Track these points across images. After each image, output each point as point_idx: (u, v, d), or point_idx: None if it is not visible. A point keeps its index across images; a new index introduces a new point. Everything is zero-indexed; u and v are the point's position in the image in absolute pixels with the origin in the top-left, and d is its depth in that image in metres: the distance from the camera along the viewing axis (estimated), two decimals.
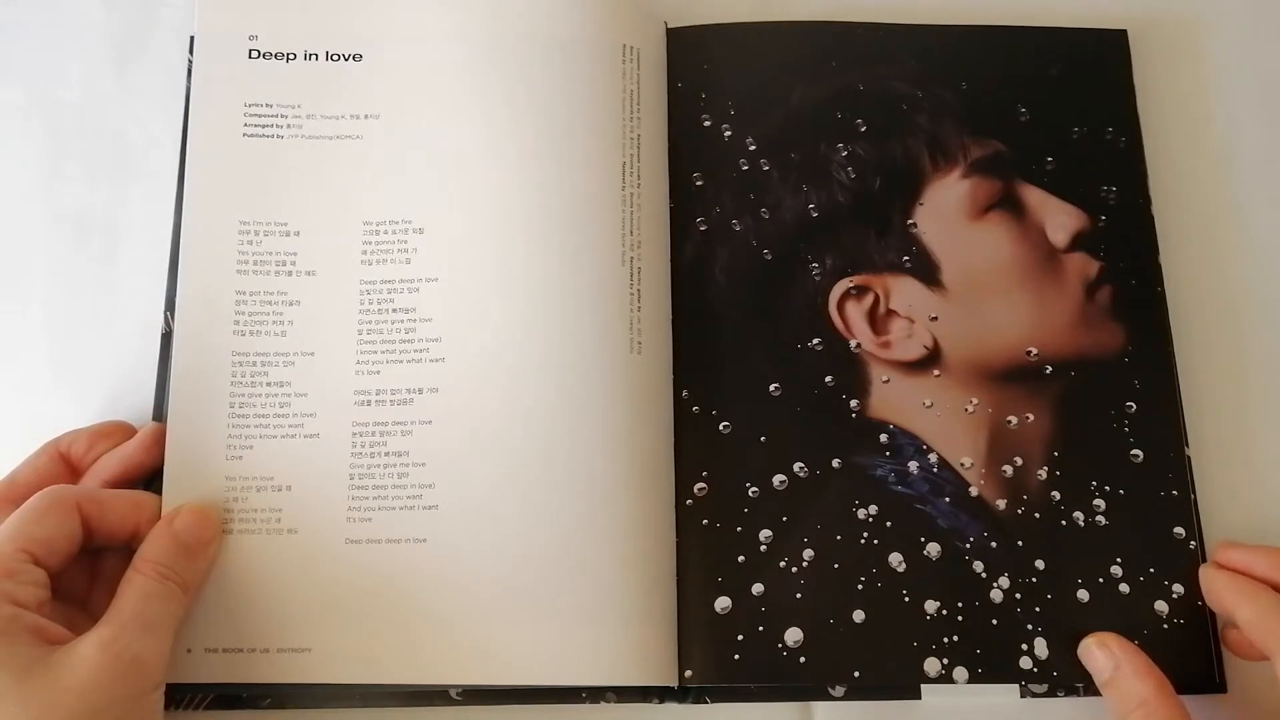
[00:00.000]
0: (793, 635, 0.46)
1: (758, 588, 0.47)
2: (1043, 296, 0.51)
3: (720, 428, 0.49)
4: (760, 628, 0.46)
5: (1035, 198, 0.52)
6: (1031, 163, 0.53)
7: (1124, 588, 0.47)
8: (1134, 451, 0.49)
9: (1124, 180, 0.53)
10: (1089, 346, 0.50)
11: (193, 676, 0.45)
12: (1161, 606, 0.47)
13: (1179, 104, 0.57)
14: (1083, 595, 0.47)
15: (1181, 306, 0.52)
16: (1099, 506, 0.48)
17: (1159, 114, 0.56)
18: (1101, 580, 0.47)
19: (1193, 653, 0.46)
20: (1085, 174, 0.53)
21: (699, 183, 0.53)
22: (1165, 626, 0.46)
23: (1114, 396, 0.49)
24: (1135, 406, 0.49)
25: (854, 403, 0.49)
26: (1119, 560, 0.47)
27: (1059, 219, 0.52)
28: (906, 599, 0.47)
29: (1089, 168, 0.53)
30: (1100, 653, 0.45)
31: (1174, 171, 0.55)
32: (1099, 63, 0.55)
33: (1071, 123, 0.53)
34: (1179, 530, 0.47)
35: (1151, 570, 0.47)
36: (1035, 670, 0.46)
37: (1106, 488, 0.48)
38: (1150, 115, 0.55)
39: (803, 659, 0.46)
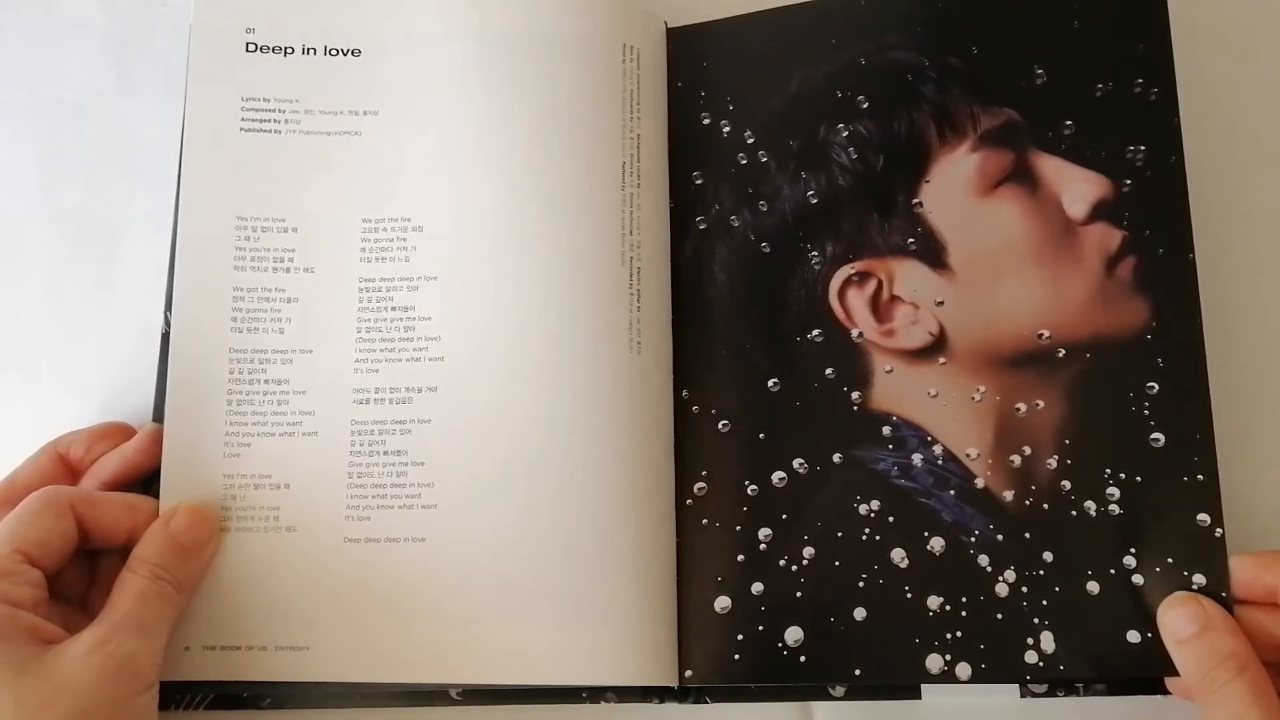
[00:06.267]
0: (793, 634, 0.45)
1: (758, 587, 0.46)
2: (1057, 275, 0.48)
3: (719, 426, 0.49)
4: (760, 627, 0.46)
5: (1051, 167, 0.49)
6: (1048, 129, 0.50)
7: (1137, 579, 0.45)
8: (1154, 435, 0.46)
9: (1154, 137, 0.49)
10: (1107, 326, 0.47)
11: (191, 674, 0.46)
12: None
13: (1219, 45, 0.53)
14: (1092, 588, 0.45)
15: (1214, 275, 0.48)
16: (1113, 495, 0.46)
17: (1196, 59, 0.51)
18: (1113, 571, 0.45)
19: None
20: (1109, 135, 0.49)
21: (698, 181, 0.52)
22: None
23: (1134, 378, 0.47)
24: (1157, 387, 0.47)
25: (855, 394, 0.48)
26: (1132, 551, 0.45)
27: (1077, 188, 0.49)
28: (909, 595, 0.45)
29: (1114, 127, 0.49)
30: (1192, 606, 0.43)
31: (1210, 124, 0.52)
32: (1129, 6, 0.51)
33: (1095, 79, 0.50)
34: (1203, 517, 0.45)
35: (1170, 560, 0.45)
36: (1041, 665, 0.44)
37: (1121, 475, 0.46)
38: (1186, 61, 0.49)
39: (803, 658, 0.45)
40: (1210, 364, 0.47)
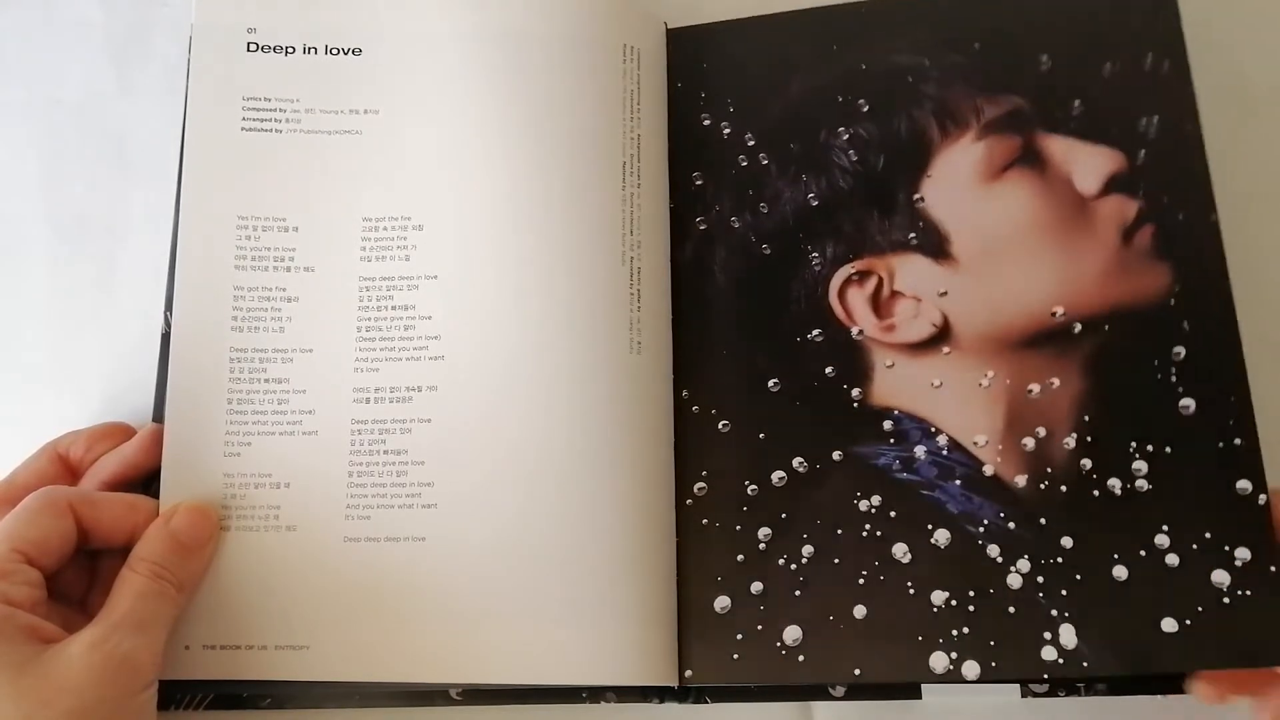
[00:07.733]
0: (792, 634, 0.45)
1: (757, 586, 0.46)
2: (1070, 251, 0.47)
3: (719, 426, 0.48)
4: (760, 627, 0.45)
5: (1059, 147, 0.49)
6: (1055, 110, 0.49)
7: (1172, 559, 0.43)
8: (1184, 402, 0.45)
9: (1168, 107, 0.48)
10: (1127, 294, 0.46)
11: (190, 673, 0.45)
12: (1221, 577, 0.43)
13: (1229, 12, 0.53)
14: (1120, 573, 0.43)
15: (1239, 234, 0.47)
16: (1140, 470, 0.44)
17: (1206, 27, 0.50)
18: (1144, 553, 0.43)
19: (1265, 624, 0.42)
20: (1120, 110, 0.48)
21: (699, 182, 0.52)
22: (1226, 600, 0.42)
23: (1158, 345, 0.45)
24: (1184, 351, 0.45)
25: (855, 391, 0.47)
26: (1165, 529, 0.43)
27: (1088, 164, 0.48)
28: (911, 591, 0.45)
29: (1125, 102, 0.49)
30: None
31: (1226, 91, 0.51)
32: None
33: (1103, 59, 0.49)
34: (1243, 484, 0.43)
35: (1208, 535, 0.43)
36: (1060, 661, 0.43)
37: (1149, 447, 0.44)
38: (1196, 30, 0.49)
39: (802, 658, 0.45)
40: (1245, 321, 0.45)
